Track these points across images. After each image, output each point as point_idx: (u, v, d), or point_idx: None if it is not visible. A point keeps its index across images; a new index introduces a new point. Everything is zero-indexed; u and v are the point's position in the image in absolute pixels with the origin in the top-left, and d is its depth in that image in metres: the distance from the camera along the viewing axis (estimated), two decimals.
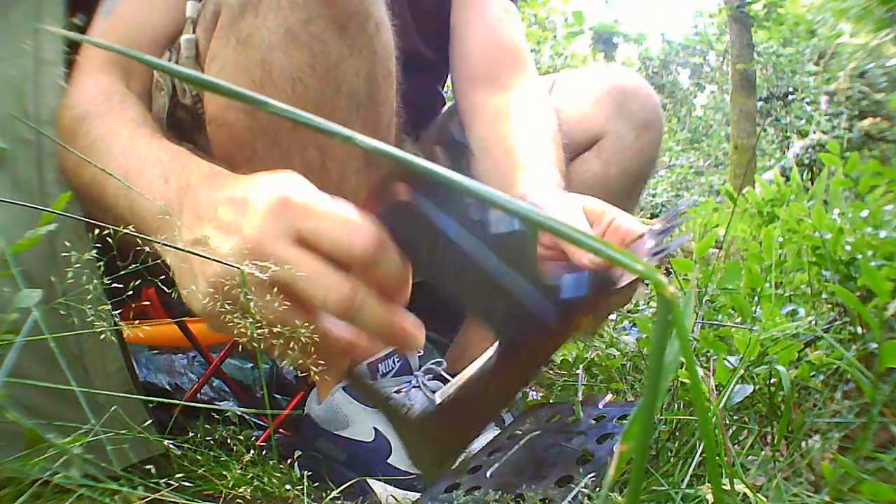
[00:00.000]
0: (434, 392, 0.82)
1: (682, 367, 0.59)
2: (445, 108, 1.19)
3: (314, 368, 0.50)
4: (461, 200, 0.49)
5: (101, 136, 0.64)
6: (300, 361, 0.49)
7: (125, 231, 0.52)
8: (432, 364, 0.87)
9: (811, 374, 0.62)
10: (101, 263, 0.57)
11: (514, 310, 0.49)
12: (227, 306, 0.49)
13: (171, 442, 0.62)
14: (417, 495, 0.71)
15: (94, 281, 0.55)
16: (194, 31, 0.72)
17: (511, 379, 0.53)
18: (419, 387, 0.82)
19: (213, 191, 0.53)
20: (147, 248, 0.52)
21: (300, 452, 0.72)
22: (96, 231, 0.53)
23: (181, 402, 0.84)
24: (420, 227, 0.48)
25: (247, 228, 0.48)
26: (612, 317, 1.04)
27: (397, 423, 0.55)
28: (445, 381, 0.86)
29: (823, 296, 0.75)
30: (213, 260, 0.50)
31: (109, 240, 0.53)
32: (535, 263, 0.49)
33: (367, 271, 0.47)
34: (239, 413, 0.91)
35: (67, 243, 0.56)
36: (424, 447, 0.55)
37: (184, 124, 0.75)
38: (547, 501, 0.57)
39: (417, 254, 0.50)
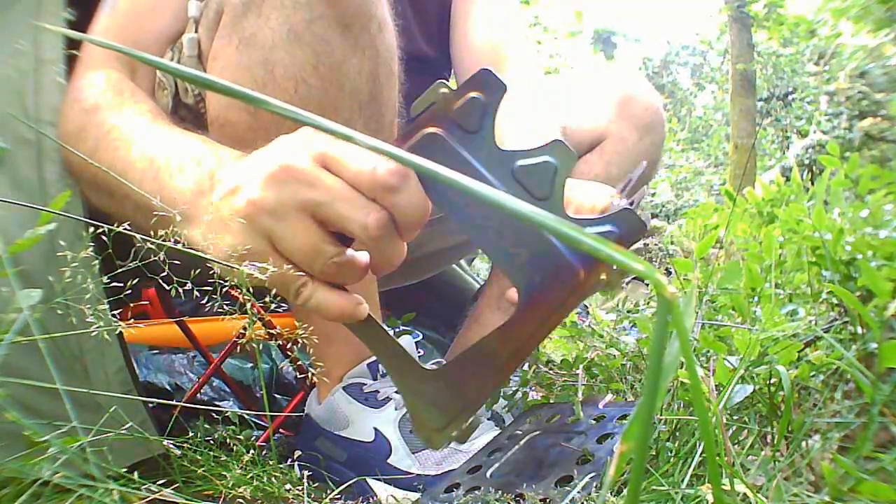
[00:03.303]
0: None
1: (682, 367, 0.59)
2: None
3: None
4: (490, 135, 0.49)
5: (117, 125, 0.64)
6: (320, 295, 0.50)
7: (121, 230, 0.52)
8: (432, 364, 0.87)
9: (811, 374, 0.62)
10: (97, 262, 0.57)
11: (540, 252, 0.49)
12: (257, 239, 0.49)
13: (171, 442, 0.62)
14: (417, 495, 0.71)
15: (90, 280, 0.55)
16: (197, 30, 0.72)
17: (528, 333, 0.52)
18: None
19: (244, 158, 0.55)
20: (149, 243, 0.52)
21: (300, 452, 0.72)
22: (91, 229, 0.53)
23: (181, 403, 0.84)
24: (448, 160, 0.48)
25: (274, 155, 0.49)
26: (612, 317, 1.04)
27: (406, 375, 0.54)
28: None
29: (823, 296, 0.75)
30: (219, 263, 0.50)
31: (105, 238, 0.52)
32: (562, 198, 0.49)
33: (386, 200, 0.47)
34: (239, 413, 0.91)
35: (63, 242, 0.56)
36: (431, 407, 0.53)
37: (186, 123, 0.75)
38: (547, 501, 0.57)
39: (444, 190, 0.49)
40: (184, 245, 0.53)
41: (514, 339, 0.52)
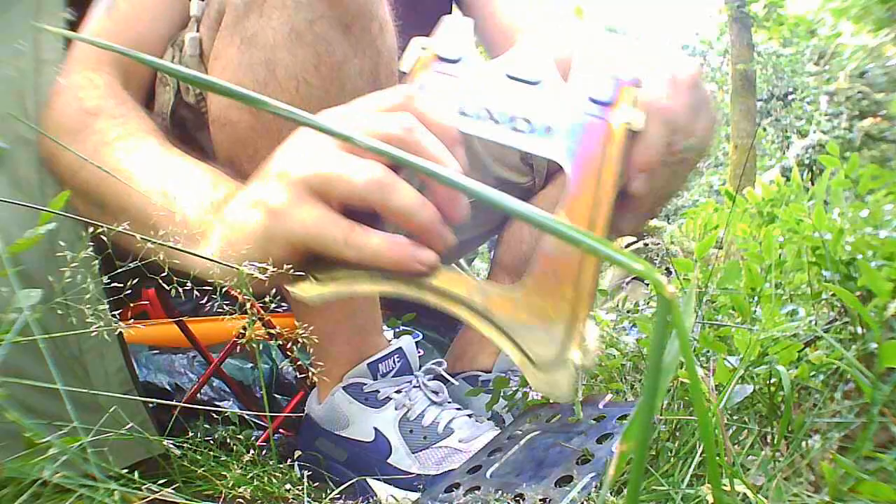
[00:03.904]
0: (436, 393, 0.82)
1: (682, 367, 0.59)
2: None
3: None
4: (473, 55, 0.58)
5: (121, 136, 0.63)
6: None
7: (121, 230, 0.52)
8: (432, 364, 0.87)
9: (811, 374, 0.62)
10: (97, 262, 0.57)
11: (562, 118, 0.54)
12: (309, 201, 0.49)
13: (171, 442, 0.62)
14: (417, 495, 0.71)
15: (90, 280, 0.55)
16: (198, 30, 0.71)
17: (592, 200, 0.52)
18: (419, 387, 0.82)
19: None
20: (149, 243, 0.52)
21: (300, 452, 0.72)
22: (90, 230, 0.53)
23: (181, 403, 0.84)
24: (446, 90, 0.57)
25: (318, 141, 0.52)
26: (612, 317, 1.04)
27: (494, 309, 0.50)
28: (446, 382, 0.86)
29: (823, 296, 0.75)
30: (212, 260, 0.50)
31: (104, 238, 0.52)
32: (555, 74, 0.57)
33: (412, 108, 0.51)
34: (239, 413, 0.91)
35: (63, 242, 0.56)
36: (535, 332, 0.50)
37: (187, 122, 0.75)
38: (547, 501, 0.57)
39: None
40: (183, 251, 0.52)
41: (581, 212, 0.52)
